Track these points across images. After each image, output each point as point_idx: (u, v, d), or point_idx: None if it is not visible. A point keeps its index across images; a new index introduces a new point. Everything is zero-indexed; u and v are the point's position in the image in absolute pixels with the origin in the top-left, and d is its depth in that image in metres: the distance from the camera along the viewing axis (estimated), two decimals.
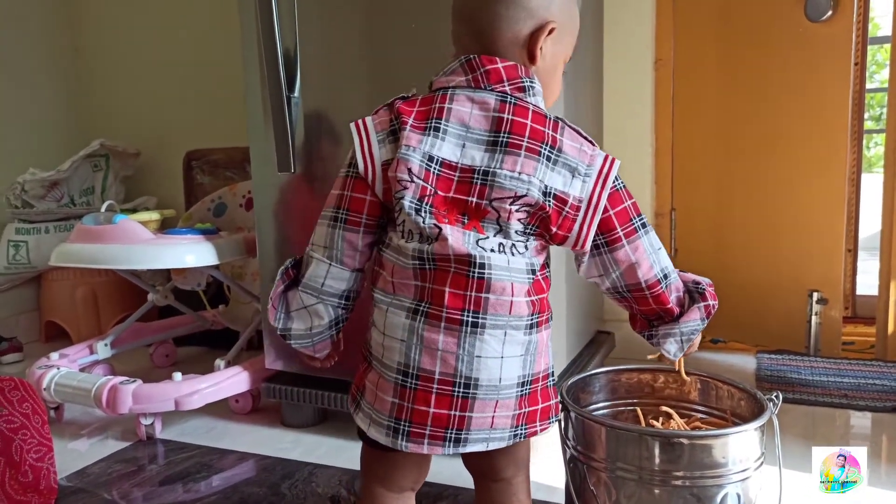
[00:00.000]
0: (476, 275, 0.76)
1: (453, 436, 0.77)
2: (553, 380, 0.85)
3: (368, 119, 0.82)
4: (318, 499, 1.22)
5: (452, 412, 0.77)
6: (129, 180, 2.52)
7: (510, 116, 0.78)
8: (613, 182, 0.81)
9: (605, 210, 0.81)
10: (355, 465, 1.30)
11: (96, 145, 2.30)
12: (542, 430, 0.83)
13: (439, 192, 0.78)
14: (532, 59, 0.82)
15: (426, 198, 0.77)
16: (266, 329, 1.55)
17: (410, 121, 0.79)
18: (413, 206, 0.77)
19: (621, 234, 0.82)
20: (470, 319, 0.76)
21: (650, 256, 0.84)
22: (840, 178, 1.81)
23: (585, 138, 0.82)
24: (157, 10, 2.45)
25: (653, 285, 0.85)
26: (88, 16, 2.58)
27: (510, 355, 0.78)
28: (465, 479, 1.00)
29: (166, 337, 2.06)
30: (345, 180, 0.83)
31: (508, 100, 0.79)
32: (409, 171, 0.77)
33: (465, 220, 0.78)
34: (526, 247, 0.79)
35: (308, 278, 0.84)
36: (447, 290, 0.76)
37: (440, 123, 0.78)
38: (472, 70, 0.81)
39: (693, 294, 0.90)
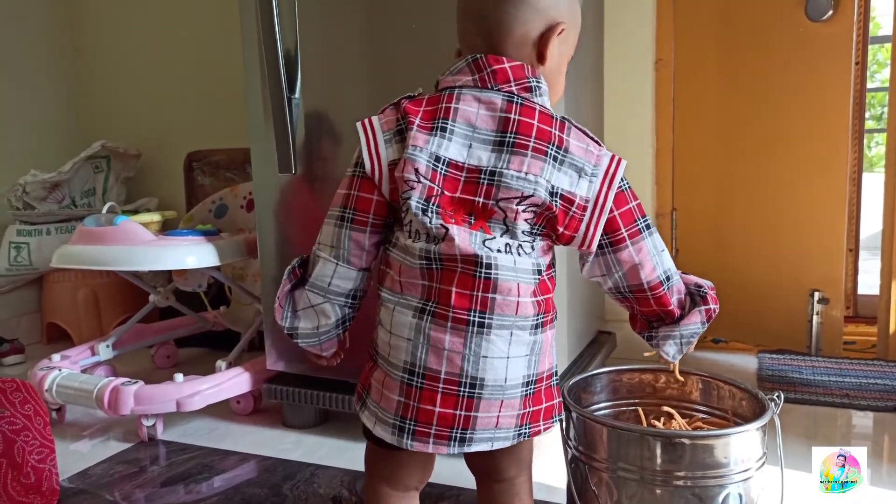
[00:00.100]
0: (483, 275, 0.76)
1: (458, 435, 0.77)
2: (556, 379, 0.85)
3: (375, 118, 0.82)
4: (320, 499, 1.22)
5: (458, 412, 0.77)
6: (130, 181, 2.52)
7: (517, 117, 0.78)
8: (619, 182, 0.81)
9: (611, 210, 0.81)
10: (357, 465, 1.30)
11: (97, 147, 2.30)
12: (545, 430, 0.83)
13: (446, 193, 0.78)
14: (542, 59, 0.82)
15: (433, 198, 0.77)
16: (267, 330, 1.55)
17: (417, 121, 0.79)
18: (420, 206, 0.77)
19: (625, 234, 0.82)
20: (476, 319, 0.76)
21: (653, 258, 0.84)
22: (841, 177, 1.82)
23: (592, 138, 0.82)
24: (157, 10, 2.45)
25: (655, 287, 0.85)
26: (88, 16, 2.58)
27: (516, 355, 0.78)
28: (466, 480, 1.00)
29: (168, 338, 2.06)
30: (351, 180, 0.83)
31: (515, 100, 0.79)
32: (416, 171, 0.77)
33: (472, 221, 0.78)
34: (532, 247, 0.79)
35: (315, 277, 0.84)
36: (454, 289, 0.76)
37: (447, 123, 0.78)
38: (479, 70, 0.80)
39: (695, 297, 0.90)
